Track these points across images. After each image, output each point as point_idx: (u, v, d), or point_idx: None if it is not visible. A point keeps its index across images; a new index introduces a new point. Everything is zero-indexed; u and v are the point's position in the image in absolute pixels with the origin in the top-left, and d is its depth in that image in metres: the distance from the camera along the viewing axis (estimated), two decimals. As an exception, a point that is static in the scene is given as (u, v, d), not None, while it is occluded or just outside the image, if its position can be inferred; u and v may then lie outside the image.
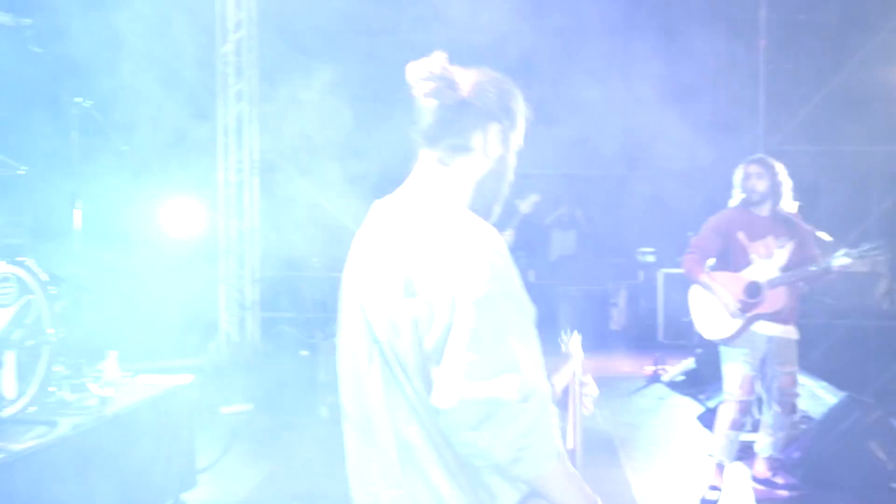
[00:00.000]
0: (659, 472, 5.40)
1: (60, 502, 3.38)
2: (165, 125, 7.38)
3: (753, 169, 4.70)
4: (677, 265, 10.35)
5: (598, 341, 10.28)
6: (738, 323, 4.56)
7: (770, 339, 4.61)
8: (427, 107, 1.73)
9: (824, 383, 6.44)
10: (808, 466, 4.71)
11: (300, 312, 8.79)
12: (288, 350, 7.78)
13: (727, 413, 4.62)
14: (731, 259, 4.66)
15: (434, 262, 1.57)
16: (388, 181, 2.00)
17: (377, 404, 1.65)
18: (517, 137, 1.82)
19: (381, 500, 1.68)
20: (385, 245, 1.68)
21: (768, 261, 4.58)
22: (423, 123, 1.75)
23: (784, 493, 4.72)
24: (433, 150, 1.75)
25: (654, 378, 7.98)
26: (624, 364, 9.05)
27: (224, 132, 8.36)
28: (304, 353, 7.54)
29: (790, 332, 4.68)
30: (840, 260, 4.36)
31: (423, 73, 1.71)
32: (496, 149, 1.76)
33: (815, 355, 8.71)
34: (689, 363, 7.89)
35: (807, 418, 5.53)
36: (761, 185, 4.64)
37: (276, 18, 8.48)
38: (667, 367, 8.11)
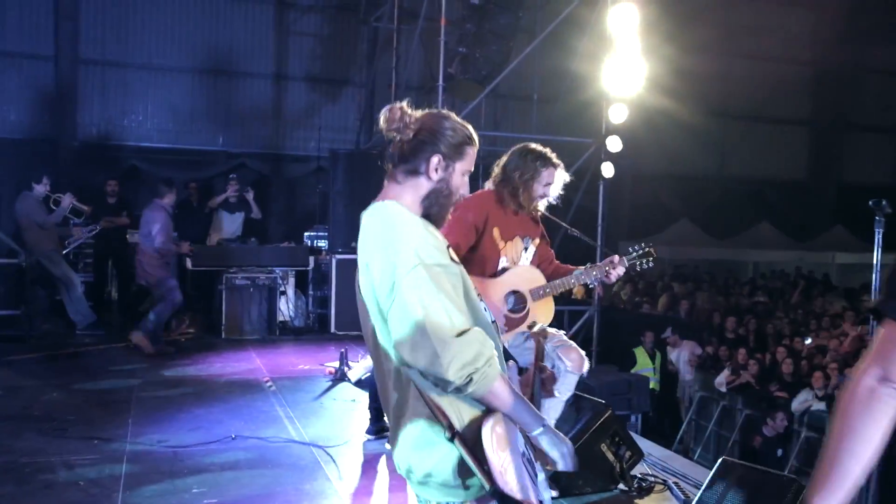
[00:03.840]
0: (373, 487, 4.69)
1: None
2: None
3: (554, 176, 4.02)
4: (351, 250, 9.85)
5: (265, 333, 9.38)
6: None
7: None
8: (391, 141, 2.31)
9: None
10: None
11: None
12: None
13: None
14: (478, 258, 3.92)
15: (377, 250, 2.17)
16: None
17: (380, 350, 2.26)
18: (464, 165, 2.33)
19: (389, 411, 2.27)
20: (361, 239, 2.26)
21: (516, 264, 4.02)
22: (388, 152, 2.34)
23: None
24: (395, 171, 2.32)
25: (340, 377, 7.24)
26: (300, 360, 8.20)
27: None
28: None
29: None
30: (619, 269, 3.95)
31: (388, 117, 2.27)
32: (437, 174, 2.29)
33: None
34: (376, 358, 7.28)
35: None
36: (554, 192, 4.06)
37: None
38: (350, 364, 7.43)
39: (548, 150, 4.08)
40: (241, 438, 5.34)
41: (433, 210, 2.32)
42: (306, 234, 11.41)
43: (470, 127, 2.34)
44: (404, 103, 2.30)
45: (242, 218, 10.41)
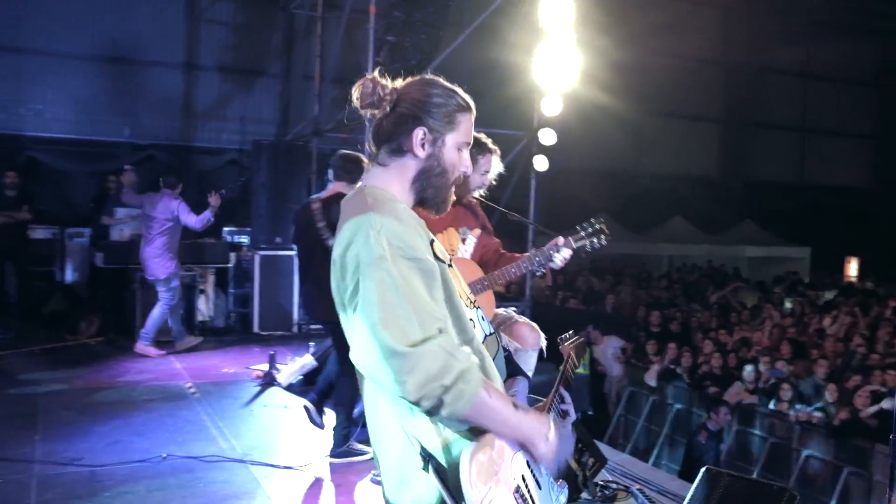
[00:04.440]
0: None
1: None
2: None
3: (491, 164, 3.76)
4: (275, 246, 9.36)
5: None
6: None
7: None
8: (370, 119, 2.07)
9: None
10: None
11: None
12: None
13: None
14: None
15: (341, 244, 1.88)
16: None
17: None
18: (458, 136, 2.01)
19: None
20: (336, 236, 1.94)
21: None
22: (370, 133, 2.06)
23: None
24: (379, 153, 2.04)
25: (270, 381, 6.80)
26: (224, 363, 7.70)
27: None
28: None
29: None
30: (564, 252, 3.66)
31: (361, 92, 2.00)
32: (424, 149, 1.99)
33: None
34: (307, 361, 6.88)
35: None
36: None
37: None
38: (279, 367, 7.00)
39: (482, 136, 3.79)
40: (170, 455, 4.86)
41: (428, 193, 2.01)
42: (225, 229, 10.82)
43: (461, 92, 2.03)
44: (376, 73, 2.02)
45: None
